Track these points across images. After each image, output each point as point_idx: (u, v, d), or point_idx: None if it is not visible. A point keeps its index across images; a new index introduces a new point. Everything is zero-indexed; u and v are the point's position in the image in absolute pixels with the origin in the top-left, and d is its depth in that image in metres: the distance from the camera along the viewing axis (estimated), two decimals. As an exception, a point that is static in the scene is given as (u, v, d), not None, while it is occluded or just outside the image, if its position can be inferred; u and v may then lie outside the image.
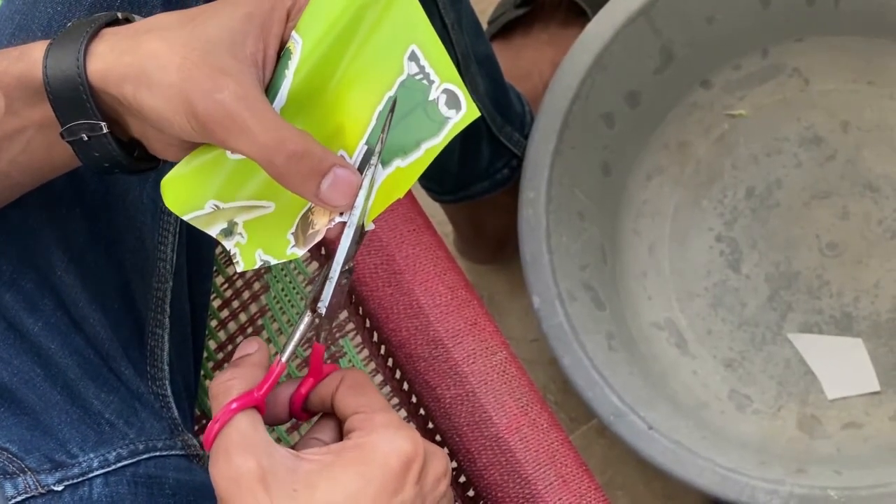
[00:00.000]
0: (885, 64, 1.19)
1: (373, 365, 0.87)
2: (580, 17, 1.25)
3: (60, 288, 0.75)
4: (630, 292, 1.19)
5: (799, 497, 1.00)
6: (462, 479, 0.83)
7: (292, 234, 0.63)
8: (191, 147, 0.64)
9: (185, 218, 0.65)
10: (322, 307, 0.62)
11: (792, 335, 1.18)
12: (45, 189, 0.73)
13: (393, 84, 0.62)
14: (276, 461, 0.61)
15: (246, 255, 0.64)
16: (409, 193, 0.87)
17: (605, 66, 1.11)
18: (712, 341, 1.18)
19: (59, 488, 0.72)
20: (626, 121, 1.17)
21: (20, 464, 0.71)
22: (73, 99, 0.61)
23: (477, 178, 1.17)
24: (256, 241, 0.64)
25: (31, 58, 0.62)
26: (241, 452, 0.60)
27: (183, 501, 0.75)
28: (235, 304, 0.96)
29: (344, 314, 0.88)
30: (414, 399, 0.84)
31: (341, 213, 0.62)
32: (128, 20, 0.64)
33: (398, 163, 0.62)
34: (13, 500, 0.70)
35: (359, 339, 0.88)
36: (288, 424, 0.91)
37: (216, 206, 0.64)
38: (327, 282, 0.62)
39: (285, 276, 0.94)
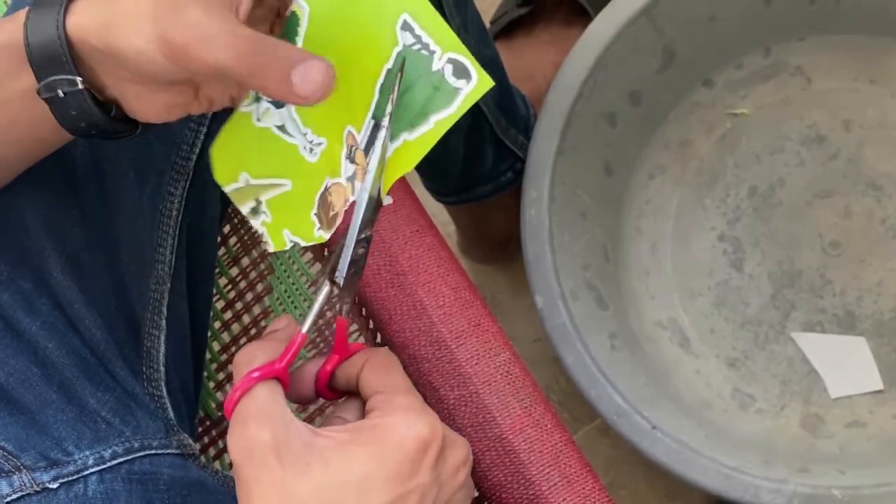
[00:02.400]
0: (888, 62, 1.19)
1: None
2: (582, 16, 1.25)
3: (57, 288, 0.75)
4: (633, 292, 1.19)
5: (803, 496, 1.00)
6: (466, 479, 0.83)
7: (315, 214, 0.63)
8: (167, 103, 0.64)
9: (226, 191, 0.65)
10: (339, 277, 0.62)
11: (795, 334, 1.18)
12: (43, 189, 0.73)
13: (390, 56, 0.61)
14: (291, 434, 0.61)
15: (274, 234, 0.64)
16: (412, 194, 0.87)
17: (607, 66, 1.11)
18: (715, 340, 1.18)
19: (55, 486, 0.72)
20: (629, 120, 1.17)
21: (15, 462, 0.71)
22: (52, 55, 0.62)
23: (481, 181, 1.17)
24: (281, 221, 0.64)
25: (15, 22, 0.63)
26: (257, 422, 0.61)
27: (177, 497, 0.75)
28: (239, 305, 0.96)
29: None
30: (417, 400, 0.84)
31: (353, 193, 0.61)
32: None
33: (405, 136, 0.61)
34: (8, 498, 0.70)
35: (362, 339, 0.88)
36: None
37: (247, 179, 0.64)
38: (343, 250, 0.61)
39: (288, 277, 0.94)
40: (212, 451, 0.94)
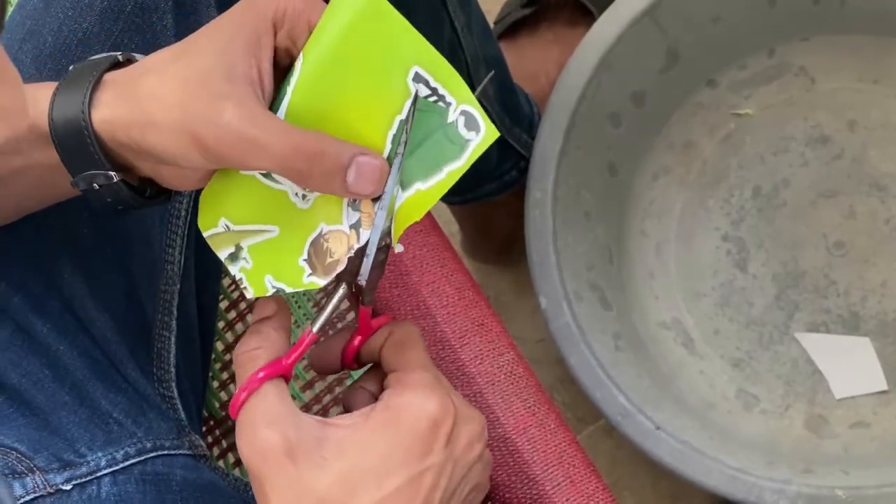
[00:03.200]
0: (892, 63, 1.19)
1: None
2: (586, 16, 1.25)
3: (68, 291, 0.75)
4: (637, 292, 1.19)
5: (807, 497, 1.00)
6: (470, 479, 0.83)
7: (305, 260, 0.63)
8: (206, 174, 0.64)
9: (204, 235, 0.65)
10: (362, 279, 0.62)
11: (799, 334, 1.18)
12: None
13: (402, 107, 0.62)
14: (302, 431, 0.61)
15: (254, 280, 0.63)
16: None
17: (610, 66, 1.11)
18: (719, 341, 1.18)
19: (68, 487, 0.72)
20: (632, 121, 1.17)
21: (29, 463, 0.71)
22: (81, 151, 0.62)
23: (485, 180, 1.17)
24: (264, 267, 0.64)
25: (38, 107, 0.63)
26: (266, 425, 0.61)
27: (190, 498, 0.76)
28: (243, 305, 0.96)
29: (351, 315, 0.88)
30: (421, 400, 0.84)
31: (358, 240, 0.62)
32: (129, 60, 0.65)
33: (418, 185, 0.62)
34: (22, 500, 0.71)
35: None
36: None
37: (227, 226, 0.64)
38: (365, 258, 0.62)
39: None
40: (216, 451, 0.94)
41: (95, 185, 0.63)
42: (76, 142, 0.62)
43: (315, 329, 0.63)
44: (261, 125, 0.59)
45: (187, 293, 0.82)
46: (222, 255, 0.65)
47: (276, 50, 0.62)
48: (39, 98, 0.63)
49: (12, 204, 0.69)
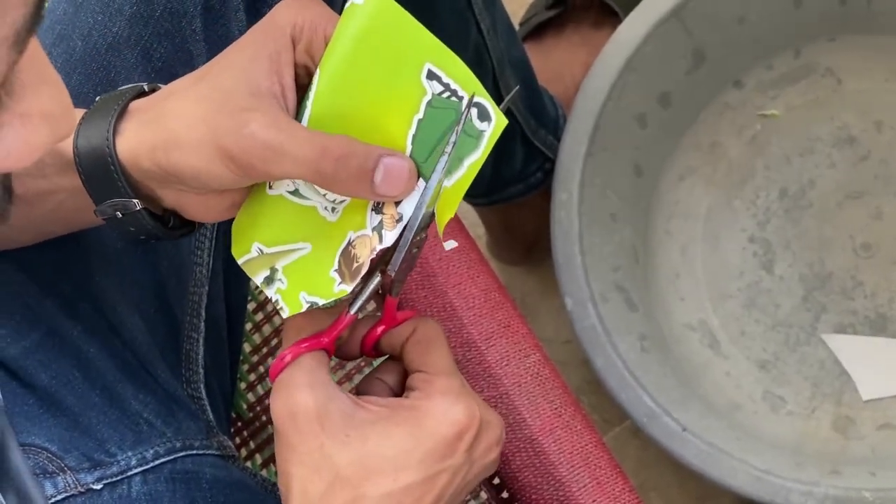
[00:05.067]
0: (919, 63, 1.19)
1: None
2: (611, 17, 1.25)
3: (98, 293, 0.76)
4: (662, 293, 1.19)
5: (834, 498, 1.00)
6: (496, 480, 0.84)
7: (336, 271, 0.63)
8: (231, 203, 0.65)
9: (239, 263, 0.66)
10: (392, 270, 0.63)
11: (826, 336, 1.17)
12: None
13: (419, 106, 0.62)
14: (334, 404, 0.62)
15: (289, 299, 0.64)
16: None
17: (636, 68, 1.11)
18: (746, 342, 1.18)
19: (98, 487, 0.72)
20: (658, 122, 1.17)
21: (60, 463, 0.72)
22: (105, 179, 0.62)
23: (510, 181, 1.17)
24: (298, 285, 0.64)
25: None
26: (303, 389, 0.62)
27: (219, 496, 0.76)
28: (270, 307, 0.96)
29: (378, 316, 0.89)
30: (448, 401, 0.84)
31: (381, 241, 0.62)
32: (154, 90, 0.65)
33: (445, 183, 0.62)
34: (53, 499, 0.71)
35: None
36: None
37: (260, 249, 0.65)
38: (396, 252, 0.62)
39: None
40: (244, 452, 0.95)
41: (118, 213, 0.64)
42: (100, 170, 0.62)
43: (353, 311, 0.64)
44: (286, 131, 0.59)
45: (216, 295, 0.82)
46: (258, 279, 0.65)
47: (295, 66, 0.63)
48: None
49: (34, 227, 0.70)
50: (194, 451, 0.77)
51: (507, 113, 1.08)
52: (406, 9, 0.62)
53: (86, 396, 0.74)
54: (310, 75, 0.63)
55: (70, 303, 0.75)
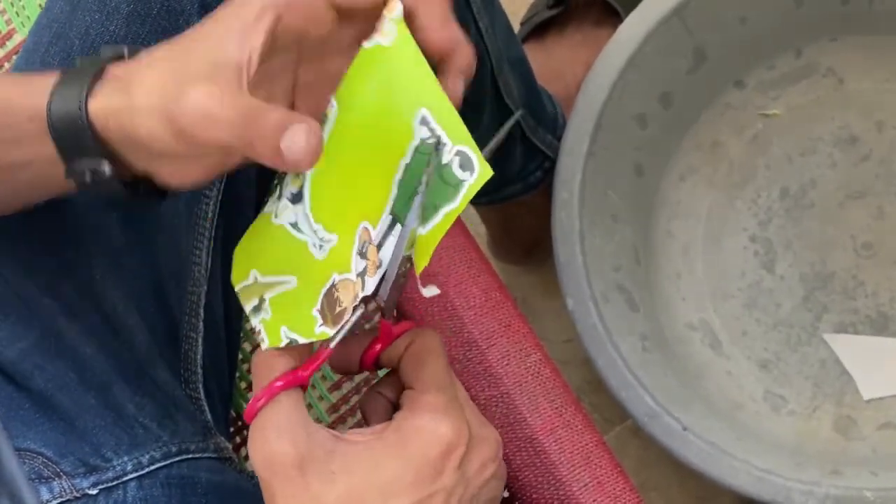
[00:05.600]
0: (921, 63, 1.19)
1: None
2: (613, 17, 1.25)
3: (98, 292, 0.76)
4: (664, 293, 1.19)
5: (835, 498, 1.00)
6: (497, 480, 0.84)
7: (318, 311, 0.62)
8: (202, 171, 0.64)
9: (235, 289, 0.65)
10: (381, 300, 0.63)
11: (827, 336, 1.17)
12: (82, 195, 0.74)
13: (406, 151, 0.61)
14: (314, 443, 0.61)
15: (271, 331, 0.63)
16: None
17: (637, 67, 1.11)
18: (747, 342, 1.18)
19: (94, 492, 0.72)
20: (660, 122, 1.17)
21: (55, 468, 0.72)
22: (76, 138, 0.62)
23: (510, 181, 1.17)
24: (281, 318, 0.63)
25: (40, 95, 0.63)
26: (279, 434, 0.61)
27: (215, 501, 0.76)
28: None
29: (378, 317, 0.89)
30: (448, 401, 0.85)
31: (363, 288, 0.61)
32: (134, 54, 0.65)
33: (419, 231, 0.61)
34: None
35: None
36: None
37: (256, 277, 0.65)
38: (384, 282, 0.62)
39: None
40: (243, 451, 0.95)
41: (88, 177, 0.63)
42: (71, 129, 0.61)
43: (332, 345, 0.63)
44: (225, 95, 0.58)
45: (214, 294, 0.82)
46: (248, 307, 0.65)
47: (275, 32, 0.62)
48: (42, 87, 0.63)
49: (14, 197, 0.69)
50: (190, 455, 0.76)
51: (505, 113, 1.09)
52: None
53: (82, 399, 0.74)
54: (283, 48, 0.63)
55: (69, 302, 0.75)
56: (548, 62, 1.24)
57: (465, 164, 0.60)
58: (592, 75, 1.11)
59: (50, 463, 0.72)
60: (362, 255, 0.62)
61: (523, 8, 1.31)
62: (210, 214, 0.80)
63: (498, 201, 1.19)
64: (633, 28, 1.11)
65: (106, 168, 0.62)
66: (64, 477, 0.72)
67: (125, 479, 0.73)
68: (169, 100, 0.59)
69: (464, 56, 0.63)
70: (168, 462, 0.75)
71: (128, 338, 0.77)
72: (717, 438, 1.04)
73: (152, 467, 0.74)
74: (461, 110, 1.07)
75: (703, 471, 1.02)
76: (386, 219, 0.62)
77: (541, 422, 0.81)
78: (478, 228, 1.30)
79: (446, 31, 0.63)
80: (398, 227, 0.61)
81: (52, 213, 0.74)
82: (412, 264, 0.62)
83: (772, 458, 1.04)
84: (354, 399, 0.92)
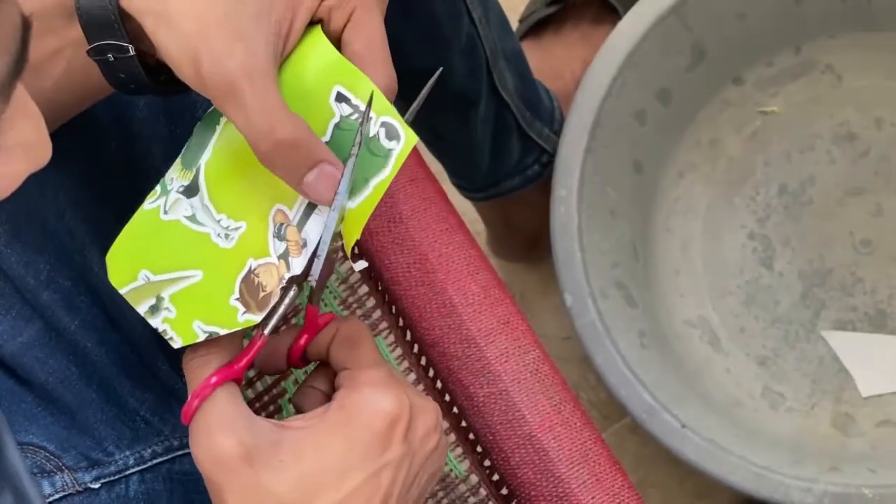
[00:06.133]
0: (919, 60, 1.19)
1: (406, 363, 0.87)
2: (611, 14, 1.25)
3: (97, 285, 0.76)
4: (662, 290, 1.19)
5: (833, 495, 1.00)
6: (495, 477, 0.84)
7: (237, 300, 0.62)
8: None
9: (121, 292, 0.64)
10: (312, 279, 0.63)
11: (825, 332, 1.17)
12: (79, 188, 0.74)
13: (326, 129, 0.62)
14: (258, 435, 0.61)
15: (180, 329, 0.62)
16: (442, 192, 0.87)
17: (636, 64, 1.11)
18: (745, 339, 1.18)
19: (96, 486, 0.72)
20: (658, 118, 1.17)
21: (57, 462, 0.72)
22: (102, 19, 0.61)
23: (507, 175, 1.17)
24: (190, 314, 0.62)
25: None
26: (222, 431, 0.60)
27: None
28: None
29: (377, 313, 0.89)
30: (447, 397, 0.85)
31: (289, 269, 0.61)
32: None
33: (348, 205, 0.62)
34: (51, 498, 0.71)
35: (392, 337, 0.88)
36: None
37: (147, 277, 0.63)
38: (316, 260, 0.62)
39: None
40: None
41: (110, 56, 0.62)
42: (98, 10, 0.61)
43: (266, 332, 0.63)
44: (256, 85, 0.58)
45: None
46: (142, 308, 0.63)
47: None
48: None
49: (47, 102, 0.68)
50: None
51: (502, 106, 1.09)
52: None
53: (83, 393, 0.74)
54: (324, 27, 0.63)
55: (68, 296, 0.75)
56: (546, 60, 1.24)
57: (392, 134, 0.61)
58: (591, 72, 1.11)
59: (52, 457, 0.72)
60: (280, 237, 0.62)
61: (521, 5, 1.31)
62: None
63: (496, 196, 1.19)
64: (632, 25, 1.11)
65: (130, 51, 0.62)
66: (66, 471, 0.72)
67: (127, 473, 0.73)
68: (204, 45, 0.58)
69: (382, 78, 0.63)
70: (170, 456, 0.75)
71: (127, 331, 0.77)
72: (715, 435, 1.04)
73: (154, 461, 0.74)
74: (456, 101, 1.07)
75: (701, 468, 1.03)
76: (303, 199, 0.62)
77: (539, 419, 0.81)
78: (476, 226, 1.30)
79: (382, 64, 0.63)
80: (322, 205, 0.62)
81: (48, 210, 0.74)
82: (342, 239, 0.62)
83: (770, 455, 1.04)
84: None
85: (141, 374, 0.77)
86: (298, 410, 0.67)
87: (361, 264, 0.63)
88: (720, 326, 1.19)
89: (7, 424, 0.65)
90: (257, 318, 0.62)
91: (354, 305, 0.88)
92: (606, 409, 1.27)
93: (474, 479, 0.85)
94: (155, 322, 0.63)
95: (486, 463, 0.84)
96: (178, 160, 0.65)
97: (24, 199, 0.71)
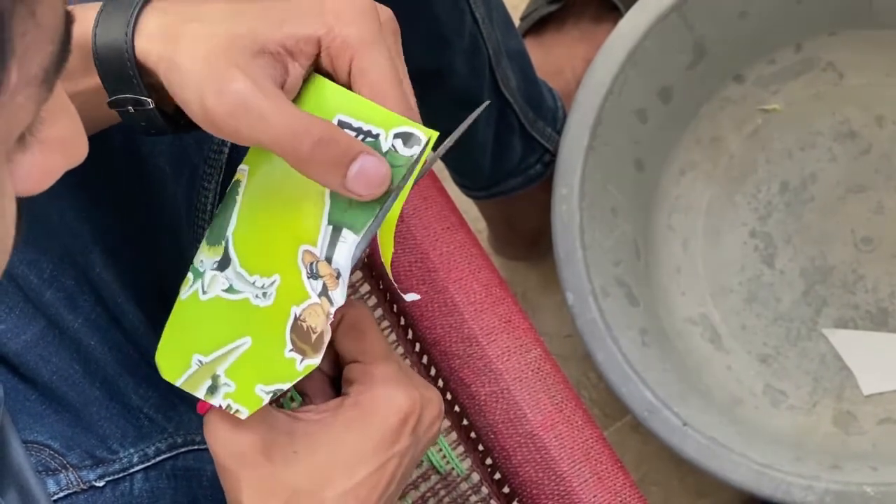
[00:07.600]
0: (920, 57, 1.19)
1: (407, 362, 0.87)
2: (612, 12, 1.25)
3: (99, 284, 0.76)
4: (664, 288, 1.19)
5: (835, 493, 1.00)
6: (497, 475, 0.84)
7: (291, 350, 0.62)
8: None
9: (177, 384, 0.64)
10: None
11: (827, 330, 1.17)
12: (84, 187, 0.74)
13: None
14: (274, 427, 0.62)
15: (244, 399, 0.62)
16: (443, 191, 0.87)
17: (637, 62, 1.11)
18: (747, 336, 1.18)
19: (101, 484, 0.73)
20: (659, 116, 1.17)
21: (62, 460, 0.72)
22: (120, 72, 0.61)
23: (509, 174, 1.17)
24: (249, 381, 0.62)
25: (84, 25, 0.62)
26: (242, 425, 0.61)
27: (220, 492, 0.76)
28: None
29: (379, 312, 0.89)
30: (448, 396, 0.85)
31: (332, 303, 0.61)
32: None
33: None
34: (56, 497, 0.71)
35: (393, 336, 0.88)
36: None
37: (200, 361, 0.63)
38: (341, 281, 0.62)
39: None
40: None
41: (130, 108, 0.62)
42: (116, 63, 0.61)
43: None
44: (272, 97, 0.58)
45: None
46: (200, 392, 0.63)
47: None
48: (85, 18, 0.62)
49: None
50: (196, 447, 0.77)
51: (505, 105, 1.09)
52: None
53: (87, 391, 0.74)
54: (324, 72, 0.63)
55: (72, 295, 0.75)
56: (547, 58, 1.24)
57: (408, 141, 0.60)
58: (592, 70, 1.11)
59: (57, 455, 0.72)
60: (314, 276, 0.62)
61: (523, 3, 1.31)
62: (209, 207, 0.80)
63: (498, 195, 1.19)
64: (633, 23, 1.11)
65: (149, 104, 0.62)
66: (71, 469, 0.72)
67: (132, 470, 0.74)
68: (207, 79, 0.58)
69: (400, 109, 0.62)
70: (174, 453, 0.75)
71: (130, 330, 0.77)
72: (716, 433, 1.04)
73: (158, 459, 0.75)
74: (458, 101, 1.06)
75: (702, 465, 1.03)
76: (326, 231, 0.62)
77: (541, 417, 0.81)
78: (478, 224, 1.30)
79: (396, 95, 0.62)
80: (345, 231, 0.61)
81: (51, 209, 0.74)
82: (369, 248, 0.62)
83: (771, 453, 1.04)
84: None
85: (144, 372, 0.77)
86: (300, 392, 0.67)
87: (413, 296, 0.63)
88: (721, 324, 1.19)
89: (12, 422, 0.65)
90: (316, 360, 0.61)
91: (356, 304, 0.88)
92: (608, 408, 1.27)
93: (476, 477, 0.85)
94: (216, 401, 0.62)
95: (488, 461, 0.84)
96: (203, 242, 0.65)
97: (27, 199, 0.71)
